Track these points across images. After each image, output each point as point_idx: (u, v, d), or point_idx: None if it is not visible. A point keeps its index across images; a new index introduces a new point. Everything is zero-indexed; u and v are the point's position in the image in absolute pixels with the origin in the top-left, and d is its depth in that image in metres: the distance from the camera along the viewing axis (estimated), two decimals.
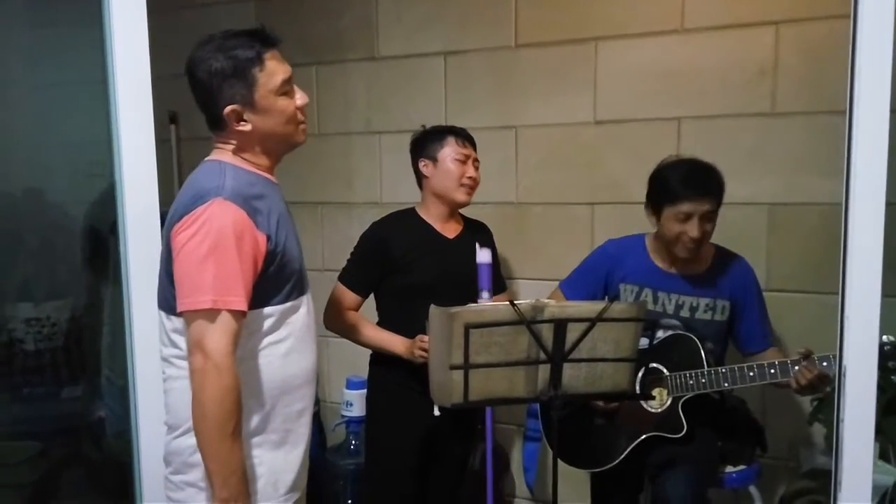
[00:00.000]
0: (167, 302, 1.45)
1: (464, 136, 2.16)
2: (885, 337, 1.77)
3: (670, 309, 2.10)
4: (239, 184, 1.42)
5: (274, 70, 1.44)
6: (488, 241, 2.24)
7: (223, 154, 1.50)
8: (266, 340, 1.47)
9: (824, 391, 1.93)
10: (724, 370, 1.97)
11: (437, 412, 1.95)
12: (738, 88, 2.44)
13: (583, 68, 2.61)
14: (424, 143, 2.17)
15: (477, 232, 2.24)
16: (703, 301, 2.08)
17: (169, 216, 1.45)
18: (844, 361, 1.10)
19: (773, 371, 1.92)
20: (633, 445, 2.02)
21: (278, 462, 1.49)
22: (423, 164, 2.15)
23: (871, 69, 1.06)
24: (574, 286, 2.22)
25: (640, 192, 2.57)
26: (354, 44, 2.93)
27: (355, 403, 2.79)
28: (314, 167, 3.00)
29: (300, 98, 1.50)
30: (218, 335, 1.34)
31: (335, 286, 2.16)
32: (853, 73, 1.07)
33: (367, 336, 2.13)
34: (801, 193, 2.40)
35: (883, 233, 1.05)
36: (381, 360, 2.18)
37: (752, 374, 1.94)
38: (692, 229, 1.99)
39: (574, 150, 2.67)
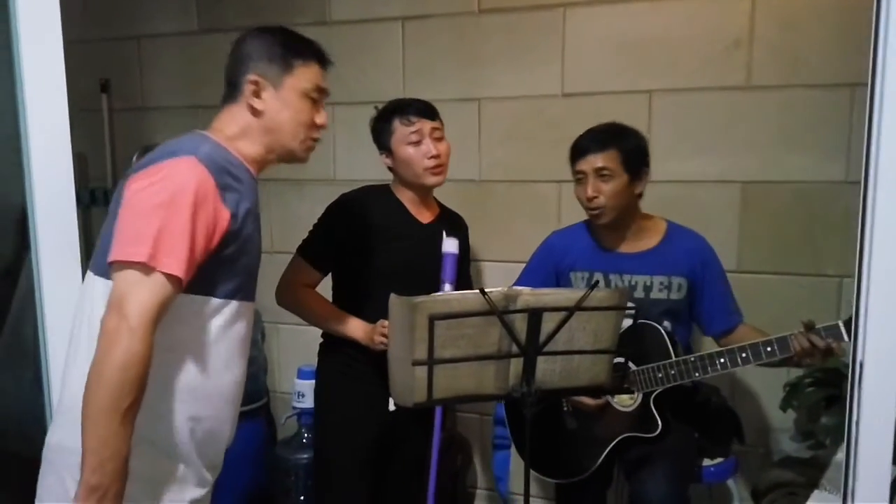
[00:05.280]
0: (105, 266, 1.26)
1: (411, 110, 1.92)
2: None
3: None
4: (218, 156, 1.31)
5: (312, 75, 1.43)
6: (463, 237, 2.08)
7: (214, 133, 1.39)
8: (197, 335, 1.31)
9: (822, 363, 1.84)
10: (692, 359, 1.85)
11: (392, 407, 1.79)
12: (712, 60, 2.33)
13: (550, 37, 2.47)
14: (377, 135, 1.98)
15: (451, 223, 2.07)
16: (657, 279, 1.97)
17: (128, 172, 1.30)
18: (860, 356, 0.98)
19: (744, 355, 1.81)
20: (607, 451, 1.91)
21: (161, 473, 1.31)
22: (383, 157, 1.97)
23: None
24: (523, 285, 2.08)
25: None
26: (304, 7, 2.72)
27: (307, 394, 2.61)
28: None
29: (322, 116, 1.46)
30: (144, 296, 1.17)
31: (293, 259, 1.97)
32: (877, 37, 0.94)
33: (323, 316, 1.94)
34: (776, 171, 2.32)
35: None
36: (331, 347, 2.00)
37: (722, 360, 1.82)
38: (585, 188, 1.94)
39: (540, 125, 2.53)
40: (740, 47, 2.30)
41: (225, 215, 1.28)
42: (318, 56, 1.45)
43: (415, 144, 1.90)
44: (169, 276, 1.20)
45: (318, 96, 1.45)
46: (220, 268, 1.30)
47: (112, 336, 1.16)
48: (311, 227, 2.00)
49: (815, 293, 2.30)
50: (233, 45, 1.45)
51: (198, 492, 1.38)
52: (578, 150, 1.98)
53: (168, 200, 1.21)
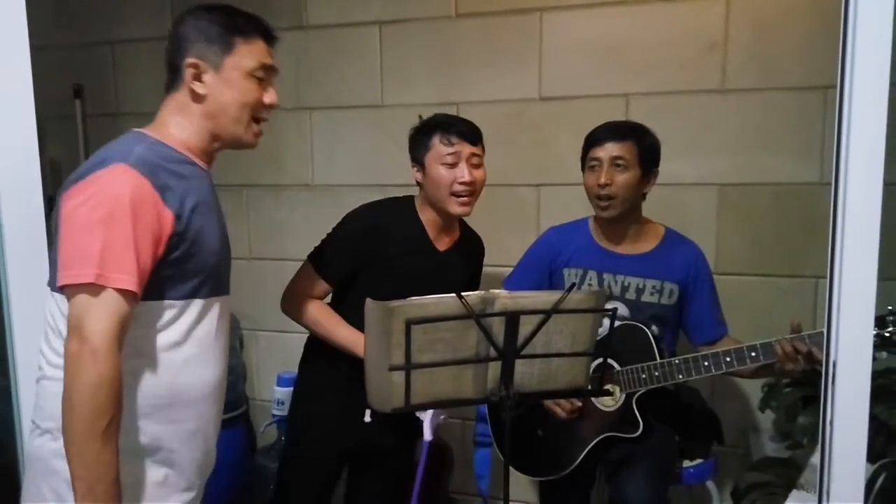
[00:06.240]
0: (55, 281, 1.23)
1: (453, 130, 1.82)
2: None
3: (616, 291, 1.99)
4: (153, 155, 1.26)
5: (256, 53, 1.35)
6: (477, 261, 2.04)
7: (156, 128, 1.33)
8: (159, 339, 1.28)
9: (807, 369, 1.81)
10: (677, 361, 1.86)
11: (367, 418, 1.77)
12: (688, 63, 2.35)
13: (527, 41, 2.48)
14: (413, 146, 1.88)
15: (469, 248, 2.01)
16: (650, 283, 1.98)
17: (64, 183, 1.26)
18: (833, 356, 0.98)
19: (728, 359, 1.82)
20: (587, 449, 1.91)
21: (143, 478, 1.29)
22: (415, 170, 1.88)
23: (868, 35, 0.94)
24: (518, 283, 2.09)
25: None
26: (281, 11, 2.68)
27: (287, 402, 2.58)
28: None
29: (270, 95, 1.38)
30: (100, 316, 1.16)
31: (304, 267, 1.88)
32: (845, 41, 0.94)
33: (329, 330, 1.85)
34: (752, 173, 2.34)
35: (881, 214, 0.93)
36: (318, 353, 1.95)
37: (706, 363, 1.83)
38: (598, 175, 1.93)
39: (519, 129, 2.54)
40: (715, 51, 2.32)
41: (168, 217, 1.24)
42: (261, 31, 1.37)
43: (449, 166, 1.81)
44: (122, 292, 1.17)
45: (264, 74, 1.36)
46: (172, 270, 1.27)
47: (76, 361, 1.14)
48: (324, 236, 1.92)
49: (791, 294, 2.32)
50: (171, 28, 1.37)
51: (185, 496, 1.36)
52: (595, 139, 1.98)
53: (106, 215, 1.17)
